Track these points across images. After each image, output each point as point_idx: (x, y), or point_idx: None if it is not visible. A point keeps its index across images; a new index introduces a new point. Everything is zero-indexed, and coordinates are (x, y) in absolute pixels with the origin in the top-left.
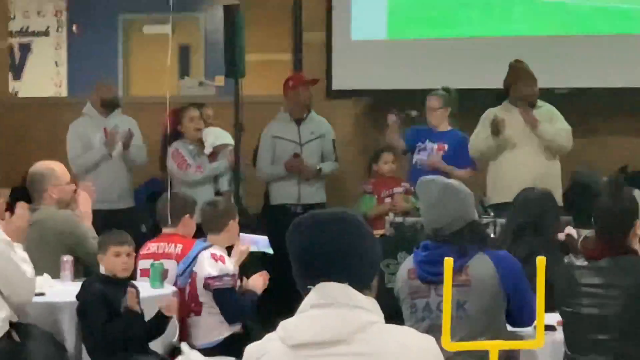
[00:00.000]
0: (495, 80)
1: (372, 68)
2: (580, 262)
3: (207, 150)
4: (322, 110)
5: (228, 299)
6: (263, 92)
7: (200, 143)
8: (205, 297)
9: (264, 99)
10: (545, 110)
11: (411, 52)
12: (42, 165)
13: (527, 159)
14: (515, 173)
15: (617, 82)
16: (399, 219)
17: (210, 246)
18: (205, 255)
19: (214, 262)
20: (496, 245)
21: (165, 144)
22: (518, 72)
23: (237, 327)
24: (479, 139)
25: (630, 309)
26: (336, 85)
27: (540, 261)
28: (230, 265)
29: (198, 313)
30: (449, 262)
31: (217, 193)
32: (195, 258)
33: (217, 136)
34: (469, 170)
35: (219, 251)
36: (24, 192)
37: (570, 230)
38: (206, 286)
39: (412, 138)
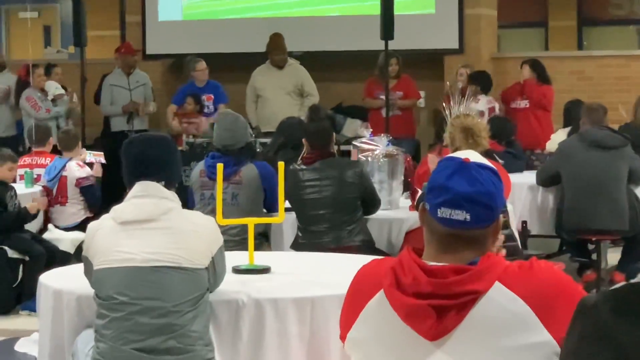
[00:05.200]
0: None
1: (171, 39)
2: (301, 166)
3: (50, 96)
4: (141, 67)
5: (92, 192)
6: (99, 57)
7: (42, 92)
8: (72, 192)
9: (100, 61)
10: (293, 68)
11: (197, 28)
12: None
13: (281, 101)
14: (276, 111)
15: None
16: (191, 140)
17: (71, 159)
18: (72, 164)
19: (80, 168)
20: (263, 155)
21: (19, 90)
22: (271, 43)
23: (90, 213)
24: (250, 108)
25: (337, 191)
26: (149, 51)
27: (280, 165)
28: (89, 169)
29: (63, 204)
30: (220, 167)
31: (57, 127)
32: (63, 167)
33: (56, 87)
34: None
35: (79, 161)
36: None
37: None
38: (78, 184)
39: (180, 95)
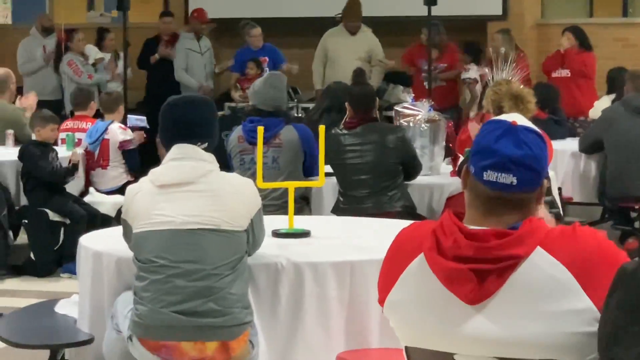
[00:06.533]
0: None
1: (215, 3)
2: (343, 131)
3: (91, 61)
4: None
5: (135, 156)
6: (142, 20)
7: (83, 56)
8: (114, 155)
9: (143, 25)
10: (366, 35)
11: None
12: (3, 70)
13: (352, 66)
14: (347, 76)
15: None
16: (233, 105)
17: (112, 122)
18: (115, 127)
19: (122, 131)
20: (307, 118)
21: (59, 54)
22: (347, 8)
23: (131, 177)
24: (318, 69)
25: (379, 156)
26: None
27: (321, 128)
28: (131, 132)
29: (105, 167)
30: (260, 129)
31: (99, 92)
32: (105, 130)
33: (97, 52)
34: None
35: (120, 124)
36: None
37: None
38: (120, 147)
39: (239, 61)
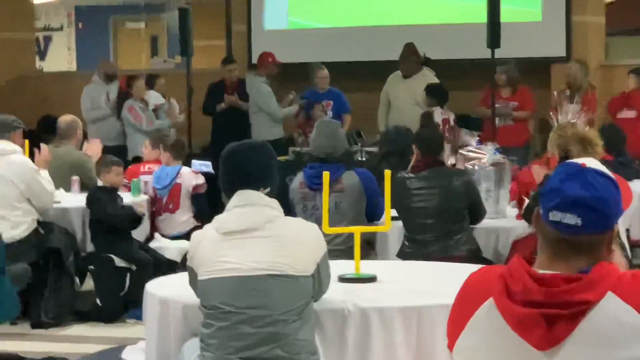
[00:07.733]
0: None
1: (277, 48)
2: (409, 174)
3: (151, 106)
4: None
5: (202, 200)
6: (205, 66)
7: (143, 101)
8: (184, 200)
9: (206, 71)
10: (425, 78)
11: (302, 36)
12: (71, 117)
13: (410, 110)
14: (405, 120)
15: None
16: (297, 149)
17: (181, 167)
18: (186, 171)
19: (195, 175)
20: (367, 164)
21: (121, 100)
22: (401, 54)
23: (197, 222)
24: (381, 113)
25: (445, 200)
26: (255, 60)
27: (387, 173)
28: (202, 177)
29: (173, 212)
30: (326, 175)
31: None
32: (176, 175)
33: (156, 97)
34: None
35: (190, 169)
36: (37, 134)
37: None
38: (194, 191)
39: (307, 96)
